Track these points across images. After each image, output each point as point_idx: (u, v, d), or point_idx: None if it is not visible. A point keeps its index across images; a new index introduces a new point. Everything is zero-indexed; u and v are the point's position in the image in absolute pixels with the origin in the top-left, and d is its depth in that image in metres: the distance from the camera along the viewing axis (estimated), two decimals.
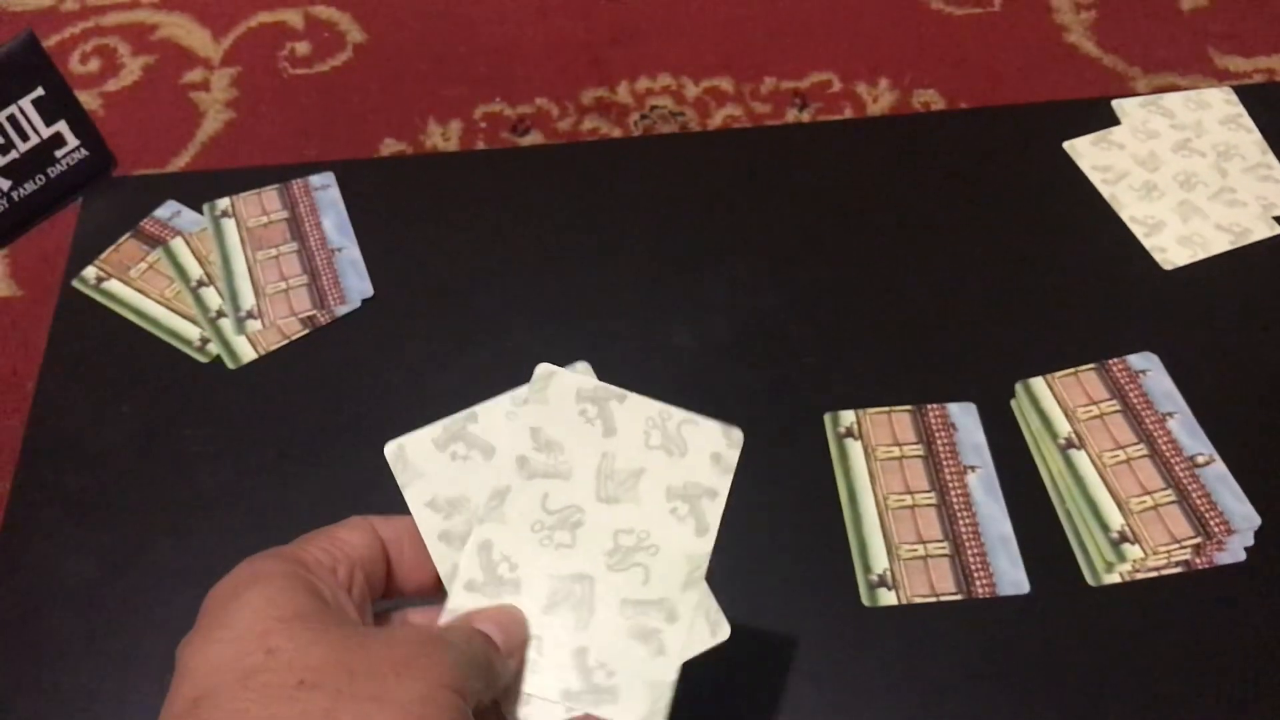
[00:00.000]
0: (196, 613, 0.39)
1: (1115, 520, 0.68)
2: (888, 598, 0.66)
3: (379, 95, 0.93)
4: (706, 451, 0.46)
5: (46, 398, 0.77)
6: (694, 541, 0.45)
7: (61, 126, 0.84)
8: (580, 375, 0.46)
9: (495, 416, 0.46)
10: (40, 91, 0.82)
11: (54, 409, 0.76)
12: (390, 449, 0.45)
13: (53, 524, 0.71)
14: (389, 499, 0.68)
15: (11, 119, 0.81)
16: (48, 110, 0.83)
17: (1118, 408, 0.73)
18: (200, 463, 0.73)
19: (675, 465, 0.45)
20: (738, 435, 0.46)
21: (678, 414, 0.46)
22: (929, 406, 0.73)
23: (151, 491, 0.72)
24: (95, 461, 0.74)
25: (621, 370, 0.76)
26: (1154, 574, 0.67)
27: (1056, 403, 0.73)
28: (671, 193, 0.85)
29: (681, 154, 0.88)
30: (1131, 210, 0.84)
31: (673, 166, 0.87)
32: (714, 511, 0.46)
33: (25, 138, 0.82)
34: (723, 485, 0.46)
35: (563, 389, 0.45)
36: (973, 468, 0.71)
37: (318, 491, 0.71)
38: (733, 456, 0.46)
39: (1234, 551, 0.67)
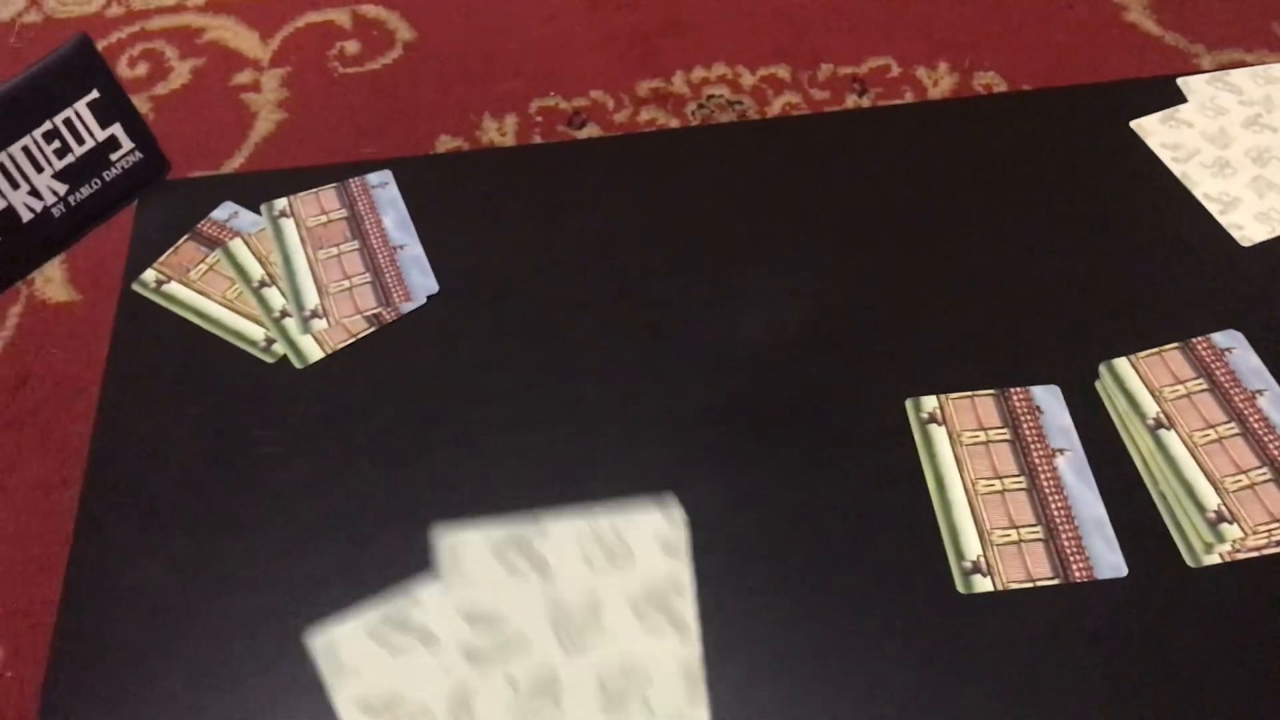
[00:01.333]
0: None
1: (1211, 500, 0.66)
2: (983, 584, 0.64)
3: (432, 92, 0.93)
4: (655, 545, 0.41)
5: (111, 402, 0.76)
6: (682, 650, 0.41)
7: (116, 129, 0.83)
8: (485, 529, 0.40)
9: (437, 604, 0.42)
10: (95, 94, 0.81)
11: (119, 414, 0.75)
12: (318, 644, 0.40)
13: (122, 530, 0.70)
14: (464, 498, 0.67)
15: (67, 122, 0.81)
16: (102, 113, 0.82)
17: (1205, 386, 0.71)
18: (269, 464, 0.72)
19: (628, 576, 0.41)
20: (678, 513, 0.42)
21: (607, 520, 0.41)
22: (1012, 390, 0.72)
23: (221, 494, 0.71)
24: (163, 465, 0.73)
25: (690, 363, 0.75)
26: (1255, 554, 0.65)
27: (1142, 383, 0.71)
28: (733, 182, 0.84)
29: (742, 142, 0.87)
30: (1205, 188, 0.82)
31: (733, 155, 0.86)
32: (687, 606, 0.41)
33: (81, 141, 0.82)
34: (685, 573, 0.41)
35: (475, 552, 0.40)
36: (1061, 450, 0.69)
37: (390, 490, 0.70)
38: (681, 537, 0.42)
39: None
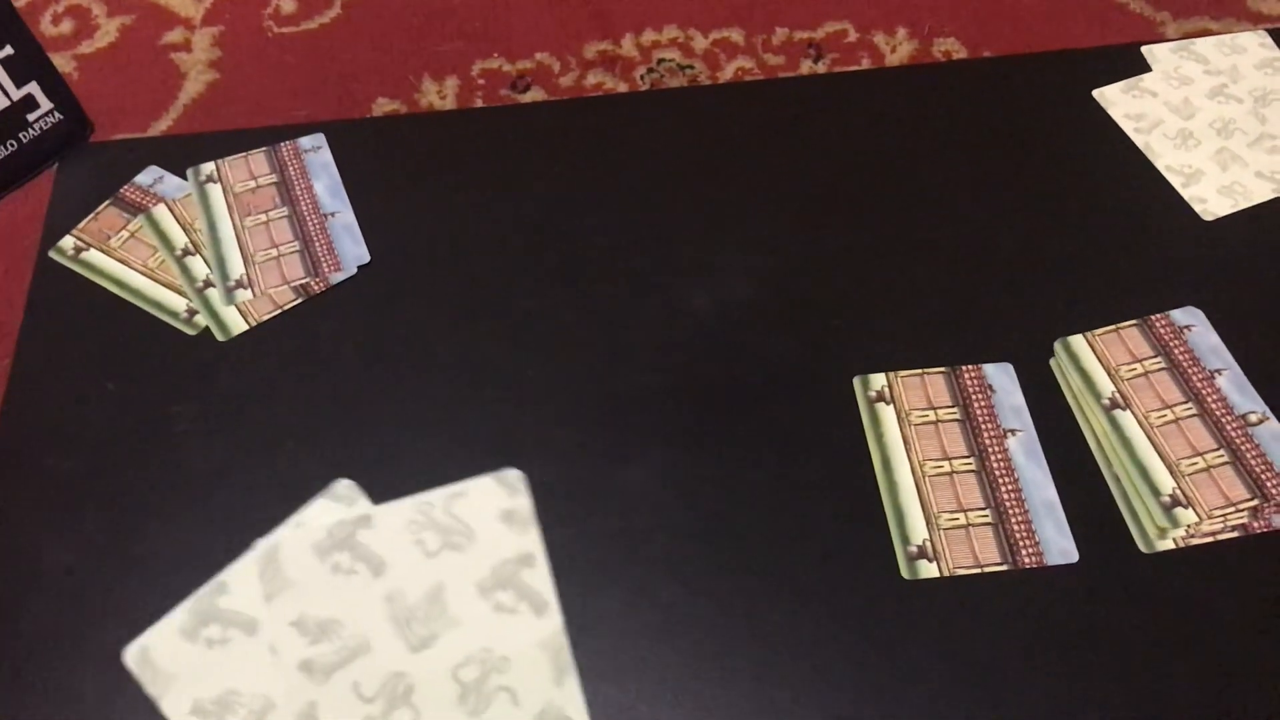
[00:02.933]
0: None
1: (1166, 484, 0.64)
2: (928, 570, 0.62)
3: (370, 53, 0.89)
4: (494, 517, 0.38)
5: (23, 376, 0.72)
6: (540, 625, 0.38)
7: (33, 88, 0.79)
8: (303, 530, 0.38)
9: (248, 585, 0.39)
10: (9, 50, 0.77)
11: (32, 388, 0.72)
12: (131, 654, 0.37)
13: (33, 510, 0.67)
14: (393, 477, 0.64)
15: None
16: (17, 70, 0.78)
17: (1163, 365, 0.69)
18: (189, 441, 0.69)
19: (470, 557, 0.38)
20: (514, 476, 0.39)
21: (438, 496, 0.39)
22: (964, 368, 0.69)
23: (138, 473, 0.68)
24: (77, 443, 0.69)
25: (632, 338, 0.73)
26: (1210, 539, 0.63)
27: (1098, 361, 0.69)
28: (682, 149, 0.81)
29: (691, 108, 0.84)
30: (1167, 159, 0.79)
31: (682, 122, 0.83)
32: (541, 577, 0.38)
33: None
34: (533, 542, 0.38)
35: (297, 556, 0.38)
36: (1013, 431, 0.66)
37: (314, 469, 0.67)
38: (524, 503, 0.39)
39: None
